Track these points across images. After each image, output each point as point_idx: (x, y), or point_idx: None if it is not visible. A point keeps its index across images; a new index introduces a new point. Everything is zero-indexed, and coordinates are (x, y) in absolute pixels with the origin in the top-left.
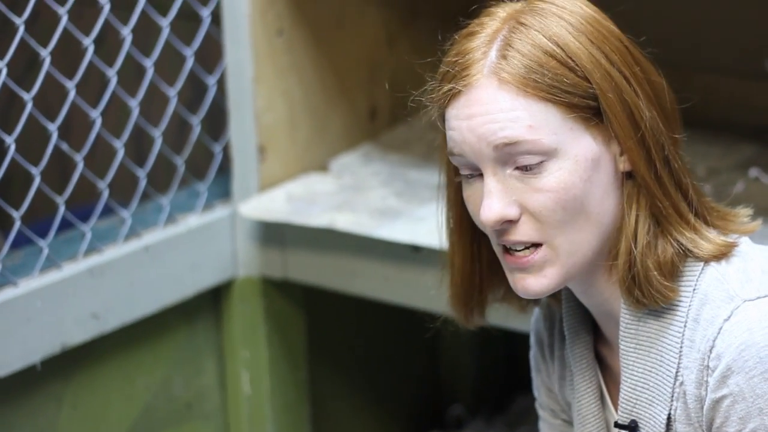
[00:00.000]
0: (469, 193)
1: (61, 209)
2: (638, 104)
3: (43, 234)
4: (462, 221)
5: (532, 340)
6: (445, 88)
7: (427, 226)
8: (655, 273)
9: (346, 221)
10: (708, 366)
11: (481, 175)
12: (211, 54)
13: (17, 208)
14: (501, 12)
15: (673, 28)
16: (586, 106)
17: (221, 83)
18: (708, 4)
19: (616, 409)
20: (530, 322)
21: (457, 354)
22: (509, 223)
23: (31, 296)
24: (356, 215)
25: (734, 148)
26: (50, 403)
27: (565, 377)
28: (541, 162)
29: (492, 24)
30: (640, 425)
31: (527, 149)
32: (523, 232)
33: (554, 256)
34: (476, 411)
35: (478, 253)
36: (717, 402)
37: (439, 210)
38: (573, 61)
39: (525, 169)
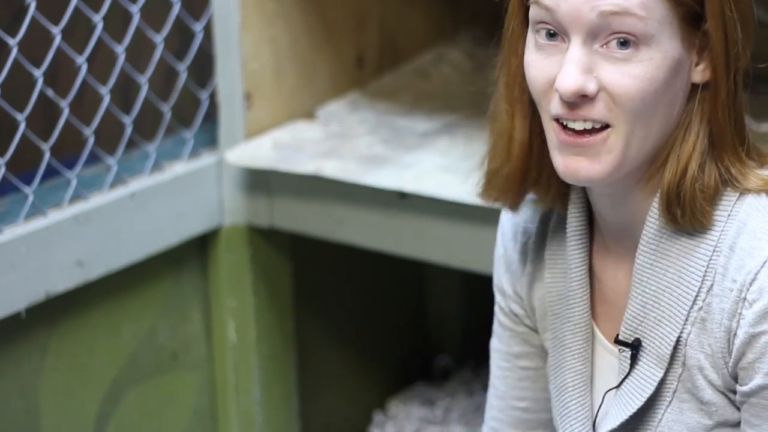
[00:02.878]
0: (538, 57)
1: (47, 156)
2: (734, 23)
3: (28, 181)
4: (525, 92)
5: (502, 239)
6: None
7: (413, 173)
8: (700, 195)
9: (332, 168)
10: (746, 299)
11: (557, 39)
12: (198, 1)
13: (2, 154)
14: None
15: None
16: (692, 9)
17: (208, 30)
18: None
19: (599, 327)
20: (500, 222)
21: (444, 304)
22: (582, 98)
23: (15, 243)
24: (343, 162)
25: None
26: (35, 351)
27: (537, 281)
28: (636, 45)
29: None
30: (643, 344)
31: (631, 25)
32: (596, 111)
33: (614, 143)
34: (463, 361)
35: (535, 128)
36: (754, 337)
37: (497, 81)
38: None
39: (617, 46)
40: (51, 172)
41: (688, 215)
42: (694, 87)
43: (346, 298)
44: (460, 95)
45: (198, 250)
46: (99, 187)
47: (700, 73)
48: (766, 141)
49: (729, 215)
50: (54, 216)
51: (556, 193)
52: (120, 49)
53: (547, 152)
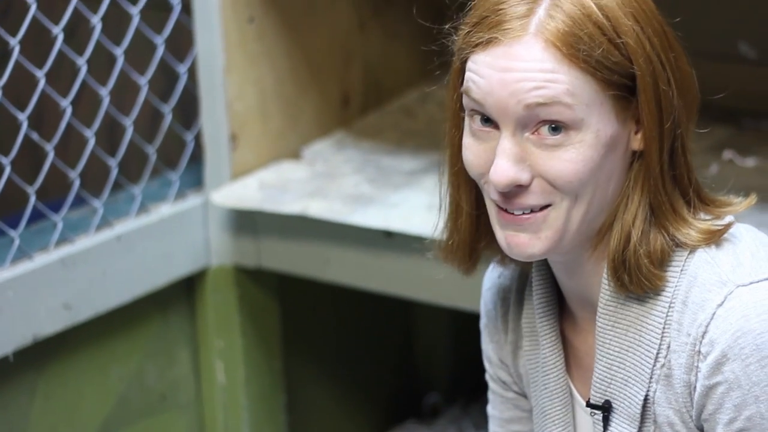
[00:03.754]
0: (472, 141)
1: (32, 199)
2: (668, 93)
3: (14, 225)
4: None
5: (485, 309)
6: (485, 35)
7: (399, 212)
8: (645, 261)
9: (319, 208)
10: (700, 351)
11: (491, 125)
12: (182, 42)
13: None
14: None
15: None
16: (623, 85)
17: (192, 71)
18: None
19: (578, 390)
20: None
21: (433, 342)
22: (517, 187)
23: (2, 287)
24: (329, 202)
25: (708, 131)
26: (23, 395)
27: (519, 348)
28: (566, 130)
29: None
30: (614, 405)
31: (558, 113)
32: (533, 198)
33: (554, 219)
34: (452, 399)
35: (482, 198)
36: (710, 389)
37: (442, 160)
38: (620, 38)
39: (548, 132)
40: (37, 216)
41: (635, 281)
42: (635, 154)
43: (334, 338)
44: None
45: (185, 292)
46: (85, 230)
47: (638, 141)
48: (752, 175)
49: (681, 270)
50: (40, 259)
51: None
52: (105, 92)
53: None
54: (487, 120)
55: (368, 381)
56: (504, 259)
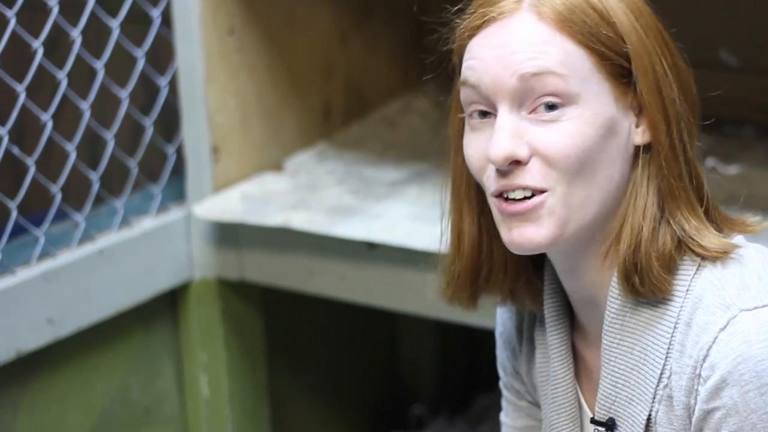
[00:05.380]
0: (472, 137)
1: (14, 214)
2: (667, 81)
3: None
4: (470, 189)
5: (500, 318)
6: (477, 15)
7: (382, 223)
8: (656, 263)
9: (301, 220)
10: (700, 375)
11: (489, 117)
12: (163, 55)
13: None
14: None
15: None
16: (618, 64)
17: (173, 84)
18: None
19: (588, 405)
20: (495, 312)
21: (418, 353)
22: (516, 165)
23: None
24: (312, 214)
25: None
26: (6, 411)
27: (533, 360)
28: (561, 106)
29: None
30: (617, 423)
31: (553, 85)
32: (530, 177)
33: (554, 206)
34: (437, 411)
35: (485, 225)
36: (708, 413)
37: (443, 185)
38: (612, 18)
39: (545, 110)
40: (18, 230)
41: (647, 283)
42: (638, 151)
43: (319, 349)
44: (428, 144)
45: (168, 305)
46: (67, 244)
47: (640, 135)
48: (734, 183)
49: (687, 290)
50: (23, 274)
51: (509, 292)
52: (85, 106)
53: (497, 249)
54: (486, 113)
55: (353, 393)
56: (506, 299)
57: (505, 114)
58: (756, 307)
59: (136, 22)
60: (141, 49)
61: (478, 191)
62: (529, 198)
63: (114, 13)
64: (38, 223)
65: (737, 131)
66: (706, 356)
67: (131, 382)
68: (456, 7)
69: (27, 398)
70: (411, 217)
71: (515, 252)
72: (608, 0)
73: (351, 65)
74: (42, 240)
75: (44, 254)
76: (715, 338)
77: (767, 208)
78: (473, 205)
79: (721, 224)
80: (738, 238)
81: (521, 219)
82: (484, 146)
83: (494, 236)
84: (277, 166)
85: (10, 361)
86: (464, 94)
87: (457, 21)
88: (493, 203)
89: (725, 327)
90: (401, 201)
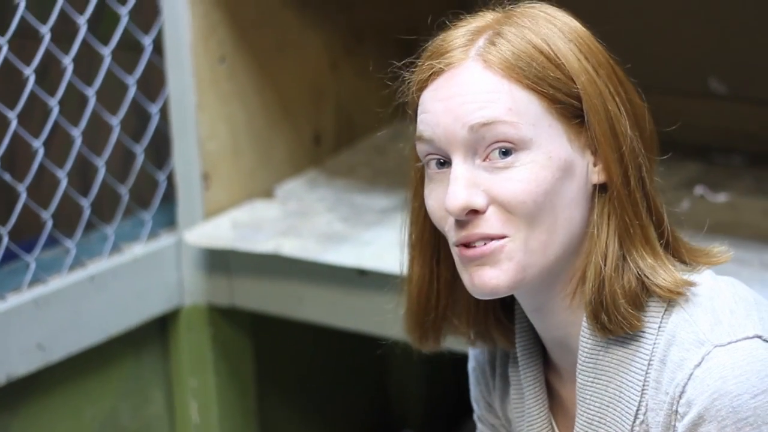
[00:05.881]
0: (431, 187)
1: (5, 240)
2: (620, 118)
3: None
4: (424, 235)
5: (473, 353)
6: (425, 67)
7: (372, 250)
8: (622, 300)
9: (292, 247)
10: (677, 411)
11: (446, 167)
12: (154, 82)
13: None
14: (489, 14)
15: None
16: (569, 105)
17: (164, 111)
18: (651, 23)
19: None
20: None
21: (406, 379)
22: (474, 214)
23: None
24: (302, 240)
25: (679, 166)
26: None
27: (507, 395)
28: (515, 152)
29: (481, 20)
30: None
31: (504, 132)
32: (489, 225)
33: (514, 251)
34: None
35: (437, 271)
36: None
37: (402, 226)
38: (560, 59)
39: (498, 157)
40: (9, 256)
41: (614, 320)
42: (597, 188)
43: (308, 375)
44: None
45: (158, 331)
46: (58, 270)
47: (597, 174)
48: (723, 211)
49: (659, 327)
50: (13, 300)
51: (476, 335)
52: (77, 132)
53: (452, 296)
54: (443, 163)
55: (342, 418)
56: (474, 341)
57: (459, 164)
58: (729, 342)
59: (128, 50)
60: (132, 77)
61: (435, 237)
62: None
63: (106, 41)
64: (29, 249)
65: (726, 160)
66: (682, 392)
67: (121, 408)
68: (403, 61)
69: (17, 424)
70: (401, 243)
71: (477, 296)
72: (556, 42)
73: (341, 92)
74: (33, 266)
75: (35, 280)
76: (691, 375)
77: (755, 236)
78: (426, 251)
79: (686, 257)
80: (706, 272)
81: (480, 263)
82: (443, 197)
83: (452, 282)
84: (267, 193)
85: (1, 386)
86: (420, 147)
87: (408, 74)
88: (455, 252)
89: (700, 363)
90: (391, 228)
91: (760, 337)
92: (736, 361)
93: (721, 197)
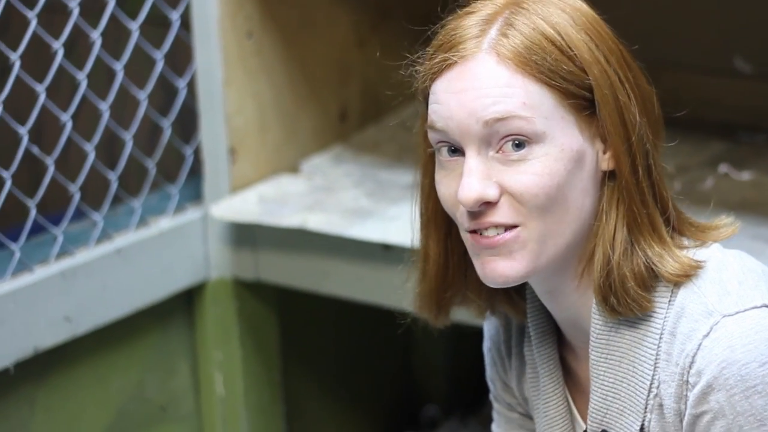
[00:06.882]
0: (443, 174)
1: (33, 213)
2: (629, 107)
3: (14, 238)
4: (437, 212)
5: (488, 333)
6: (438, 59)
7: (397, 225)
8: (631, 283)
9: (317, 221)
10: (687, 381)
11: (458, 155)
12: (181, 57)
13: None
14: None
15: (641, 25)
16: (581, 97)
17: (191, 86)
18: (677, 1)
19: (581, 416)
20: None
21: (431, 354)
22: (486, 205)
23: (3, 300)
24: (328, 215)
25: (703, 145)
26: (23, 407)
27: (524, 374)
28: (528, 145)
29: (492, 6)
30: None
31: (518, 127)
32: (501, 214)
33: (527, 240)
34: (450, 411)
35: (451, 247)
36: (697, 417)
37: (413, 203)
38: (573, 50)
39: (512, 149)
40: (37, 229)
41: (623, 303)
42: (606, 175)
43: (333, 350)
44: None
45: (184, 304)
46: (85, 243)
47: (606, 161)
48: (747, 189)
49: (669, 301)
50: (41, 272)
51: (485, 308)
52: (104, 106)
53: (465, 270)
54: (454, 150)
55: (366, 393)
56: (482, 314)
57: (473, 157)
58: (737, 312)
59: (156, 25)
60: (160, 51)
61: (445, 213)
62: (501, 232)
63: (134, 16)
64: (57, 222)
65: (751, 138)
66: (692, 363)
67: (147, 380)
68: (416, 55)
69: (43, 395)
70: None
71: (488, 284)
72: (567, 31)
73: (367, 68)
74: (60, 239)
75: (62, 253)
76: (700, 345)
77: None
78: (440, 227)
79: (694, 235)
80: (714, 246)
81: (494, 253)
82: (455, 186)
83: (461, 259)
84: (293, 168)
85: (28, 358)
86: (431, 135)
87: (417, 64)
88: (467, 238)
89: (708, 333)
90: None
91: None
92: (744, 330)
93: (746, 175)
